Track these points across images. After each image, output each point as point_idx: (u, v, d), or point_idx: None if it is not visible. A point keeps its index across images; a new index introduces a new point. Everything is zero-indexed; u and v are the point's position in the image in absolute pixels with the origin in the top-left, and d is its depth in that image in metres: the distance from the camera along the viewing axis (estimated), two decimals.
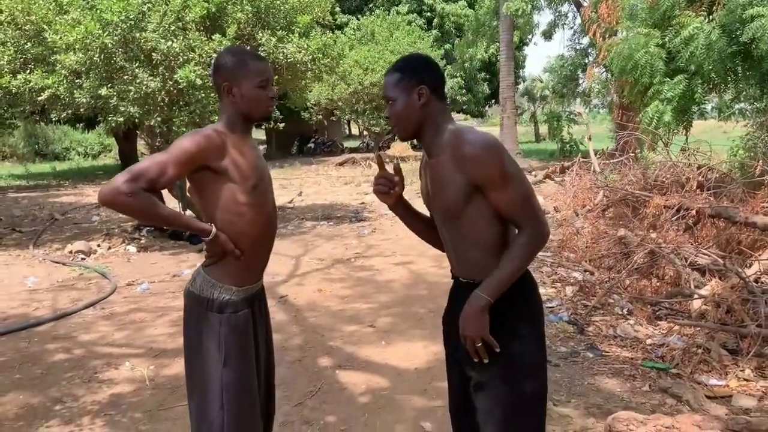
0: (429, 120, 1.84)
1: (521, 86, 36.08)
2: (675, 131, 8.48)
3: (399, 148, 25.11)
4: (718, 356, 3.81)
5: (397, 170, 1.98)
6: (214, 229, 1.95)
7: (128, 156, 18.67)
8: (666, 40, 8.17)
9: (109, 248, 8.01)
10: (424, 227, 2.09)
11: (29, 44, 7.61)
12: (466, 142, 1.75)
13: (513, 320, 1.82)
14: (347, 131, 42.92)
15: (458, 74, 28.58)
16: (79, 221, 10.72)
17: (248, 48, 2.21)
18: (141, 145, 18.49)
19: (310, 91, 15.29)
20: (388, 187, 1.97)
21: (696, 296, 4.55)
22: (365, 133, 27.28)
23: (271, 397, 2.28)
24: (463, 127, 1.84)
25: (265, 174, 2.08)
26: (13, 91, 7.56)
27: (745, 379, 3.55)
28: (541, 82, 35.08)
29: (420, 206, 2.09)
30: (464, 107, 33.48)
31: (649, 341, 4.17)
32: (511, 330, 1.81)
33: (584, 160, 10.98)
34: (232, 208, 1.96)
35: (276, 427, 2.99)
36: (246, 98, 1.98)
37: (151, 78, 7.42)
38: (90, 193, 14.88)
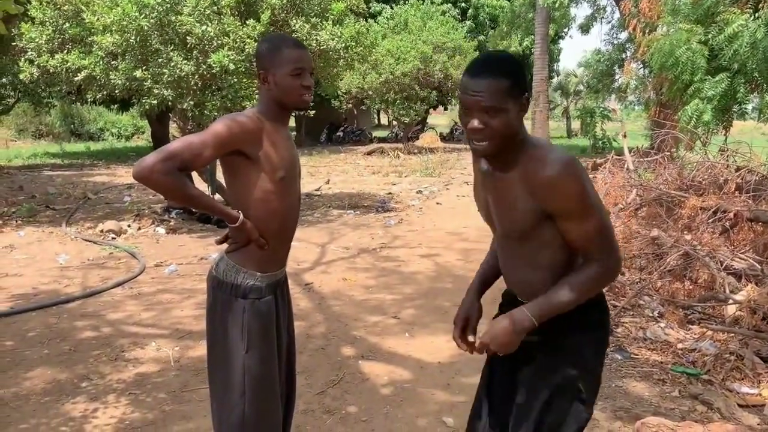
0: (513, 128, 1.57)
1: (555, 80, 35.56)
2: (714, 131, 8.26)
3: (427, 139, 25.02)
4: (751, 364, 3.69)
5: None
6: (241, 216, 1.93)
7: (160, 138, 18.84)
8: (709, 36, 7.95)
9: (139, 229, 8.12)
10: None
11: (67, 24, 7.72)
12: (543, 163, 1.53)
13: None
14: (376, 121, 42.87)
15: None
16: (111, 201, 10.90)
17: (287, 35, 2.16)
18: (173, 128, 18.69)
19: (341, 80, 15.26)
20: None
21: (731, 301, 4.42)
22: (394, 123, 27.19)
23: (292, 384, 2.27)
24: (539, 143, 1.61)
25: (295, 165, 2.06)
26: (51, 70, 7.69)
27: None
28: (576, 76, 34.55)
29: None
30: None
31: (680, 345, 4.06)
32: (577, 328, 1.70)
33: (618, 157, 10.76)
34: (259, 195, 1.94)
35: (297, 414, 2.99)
36: (279, 86, 1.95)
37: (185, 62, 7.47)
38: (122, 174, 15.13)
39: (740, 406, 3.23)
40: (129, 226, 8.16)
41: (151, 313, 4.79)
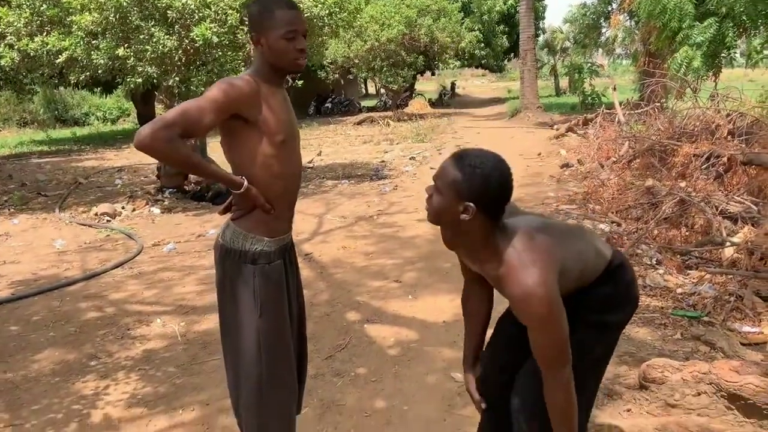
0: (468, 233, 1.68)
1: (541, 38, 35.17)
2: (704, 77, 8.23)
3: (417, 105, 24.81)
4: (751, 304, 3.75)
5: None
6: (245, 183, 1.92)
7: (147, 119, 18.63)
8: None
9: (134, 210, 8.08)
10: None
11: (45, 6, 7.53)
12: (511, 280, 1.61)
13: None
14: (364, 90, 42.47)
15: (476, 27, 27.90)
16: (103, 185, 10.81)
17: None
18: (159, 109, 18.46)
19: (326, 49, 15.04)
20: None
21: (728, 244, 4.47)
22: (382, 91, 26.94)
23: (303, 348, 2.29)
24: (512, 255, 1.62)
25: (294, 128, 2.03)
26: (31, 54, 7.53)
27: None
28: (562, 32, 34.17)
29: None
30: (483, 62, 32.85)
31: (679, 290, 4.11)
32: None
33: (608, 111, 10.74)
34: (261, 160, 1.93)
35: (308, 379, 3.02)
36: (272, 50, 1.90)
37: (168, 37, 7.33)
38: (111, 157, 14.98)
39: (743, 344, 3.29)
40: (123, 208, 8.11)
41: (153, 291, 4.80)
